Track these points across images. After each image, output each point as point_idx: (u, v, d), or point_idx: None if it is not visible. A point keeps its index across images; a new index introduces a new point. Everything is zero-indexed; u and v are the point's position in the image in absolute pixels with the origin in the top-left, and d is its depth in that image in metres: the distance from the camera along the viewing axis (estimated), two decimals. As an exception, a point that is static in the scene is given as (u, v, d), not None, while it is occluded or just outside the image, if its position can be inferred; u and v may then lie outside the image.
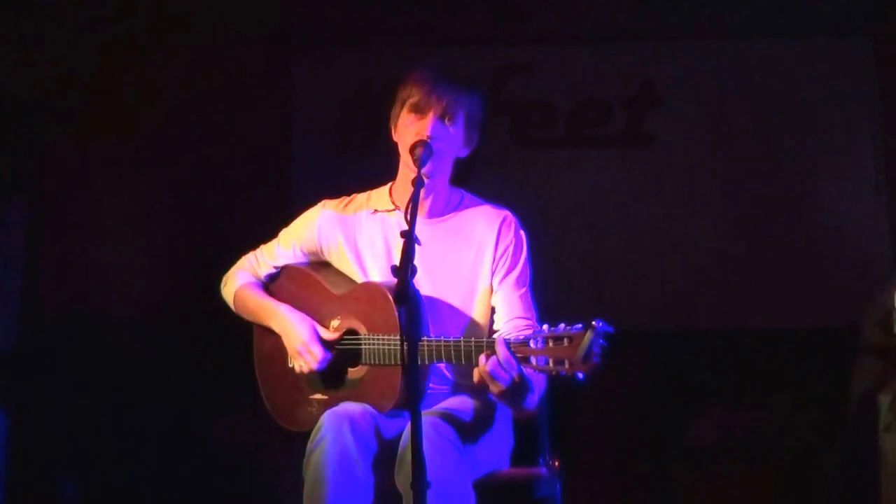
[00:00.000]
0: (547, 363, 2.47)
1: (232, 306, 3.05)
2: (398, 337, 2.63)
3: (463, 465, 2.60)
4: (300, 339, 2.82)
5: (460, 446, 2.61)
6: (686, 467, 4.25)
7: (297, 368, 2.85)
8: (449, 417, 2.65)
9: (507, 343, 2.51)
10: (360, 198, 2.98)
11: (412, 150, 2.74)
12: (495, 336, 2.63)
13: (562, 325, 2.46)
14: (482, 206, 2.93)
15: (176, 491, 4.09)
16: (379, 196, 2.96)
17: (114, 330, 4.28)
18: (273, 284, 3.02)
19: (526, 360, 2.49)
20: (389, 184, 2.96)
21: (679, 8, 4.41)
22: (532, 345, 2.49)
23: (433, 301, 2.80)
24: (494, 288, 2.85)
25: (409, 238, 2.44)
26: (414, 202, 2.54)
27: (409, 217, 2.51)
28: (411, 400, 2.37)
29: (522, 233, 2.91)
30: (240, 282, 3.02)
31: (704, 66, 4.41)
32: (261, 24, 4.43)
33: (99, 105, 4.38)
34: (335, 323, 2.85)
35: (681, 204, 4.41)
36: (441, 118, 2.78)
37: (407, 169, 2.82)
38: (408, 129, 2.80)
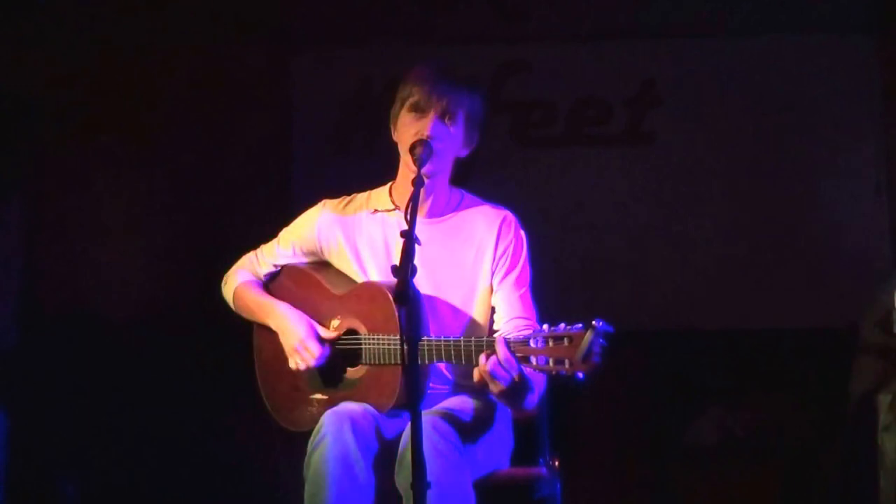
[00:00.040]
0: (547, 363, 2.46)
1: (231, 305, 3.05)
2: (398, 337, 2.62)
3: (463, 465, 2.59)
4: (297, 336, 2.81)
5: (460, 446, 2.60)
6: (686, 467, 4.24)
7: (293, 365, 2.82)
8: (449, 417, 2.64)
9: (507, 342, 2.50)
10: (360, 198, 2.98)
11: (412, 149, 2.74)
12: (495, 336, 2.62)
13: (562, 325, 2.45)
14: (482, 206, 2.92)
15: (176, 491, 4.08)
16: (379, 196, 2.96)
17: (113, 330, 4.28)
18: (273, 284, 3.02)
19: (526, 359, 2.48)
20: (389, 183, 2.95)
21: (680, 5, 4.41)
22: (532, 344, 2.48)
23: (433, 301, 2.80)
24: (494, 288, 2.84)
25: (409, 238, 2.44)
26: (414, 202, 2.54)
27: (409, 217, 2.51)
28: (411, 400, 2.36)
29: (522, 232, 2.90)
30: (239, 280, 3.02)
31: (705, 65, 4.41)
32: (260, 24, 4.42)
33: (98, 105, 4.38)
34: (335, 322, 2.85)
35: (681, 204, 4.41)
36: (441, 118, 2.77)
37: (407, 169, 2.82)
38: (408, 128, 2.79)
